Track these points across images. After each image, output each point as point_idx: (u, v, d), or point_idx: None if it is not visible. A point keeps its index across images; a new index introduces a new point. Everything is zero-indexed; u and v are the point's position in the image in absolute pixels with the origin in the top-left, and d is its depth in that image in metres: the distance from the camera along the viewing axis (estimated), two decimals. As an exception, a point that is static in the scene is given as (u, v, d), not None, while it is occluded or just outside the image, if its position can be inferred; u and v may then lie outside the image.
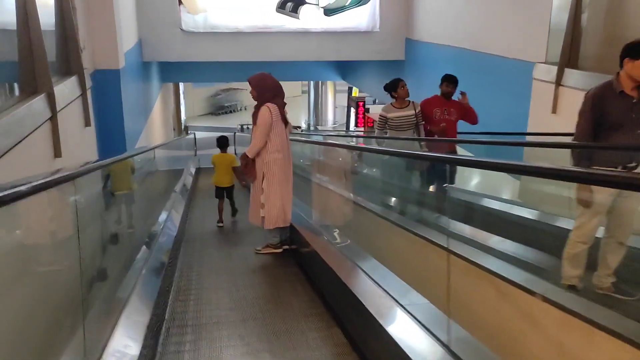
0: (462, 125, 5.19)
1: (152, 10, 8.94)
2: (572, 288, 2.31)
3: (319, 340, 2.78)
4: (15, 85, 3.37)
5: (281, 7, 9.52)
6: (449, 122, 4.98)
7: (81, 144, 4.52)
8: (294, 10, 9.52)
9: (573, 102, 4.81)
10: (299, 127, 4.84)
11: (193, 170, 10.94)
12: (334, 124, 23.80)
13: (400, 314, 2.33)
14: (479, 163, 2.31)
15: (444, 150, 4.56)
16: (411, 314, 2.26)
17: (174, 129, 18.06)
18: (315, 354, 2.65)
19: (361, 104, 18.67)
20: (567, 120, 4.90)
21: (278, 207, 4.22)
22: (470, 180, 4.80)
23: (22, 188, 1.44)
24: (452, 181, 3.88)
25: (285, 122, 4.25)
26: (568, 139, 4.38)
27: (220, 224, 6.00)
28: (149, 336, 2.44)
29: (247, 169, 4.25)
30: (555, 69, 4.90)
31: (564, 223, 3.03)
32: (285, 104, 4.29)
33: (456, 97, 5.14)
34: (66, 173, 2.01)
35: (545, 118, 5.07)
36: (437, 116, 5.00)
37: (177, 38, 9.32)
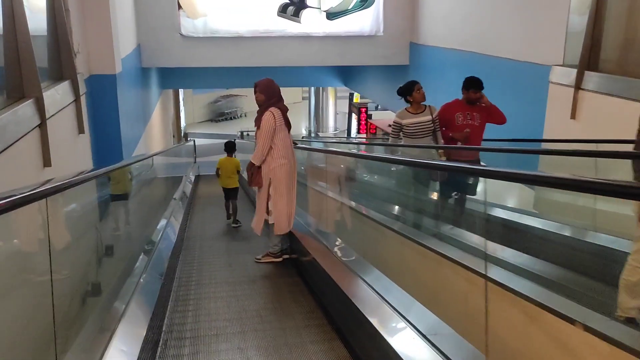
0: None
1: (151, 14, 8.73)
2: (630, 321, 2.04)
3: (320, 353, 2.71)
4: (2, 91, 3.13)
5: (282, 11, 9.30)
6: (473, 128, 4.59)
7: (74, 152, 4.28)
8: (296, 14, 9.30)
9: (594, 106, 4.62)
10: (296, 143, 4.68)
11: (193, 178, 10.82)
12: (335, 130, 23.63)
13: (406, 329, 2.22)
14: (513, 175, 2.05)
15: (466, 159, 4.28)
16: (417, 329, 2.15)
17: (173, 136, 17.84)
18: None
19: (363, 110, 18.47)
20: (587, 126, 4.69)
21: (285, 214, 4.19)
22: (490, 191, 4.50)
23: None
24: (473, 192, 3.66)
25: (289, 127, 4.25)
26: (592, 147, 4.19)
27: (229, 219, 6.56)
28: (146, 349, 2.37)
29: (253, 176, 4.20)
30: (574, 71, 4.65)
31: (601, 240, 2.78)
32: (287, 109, 4.28)
33: None
34: (39, 190, 1.73)
35: (563, 124, 4.82)
36: (459, 121, 4.59)
37: (177, 43, 9.11)
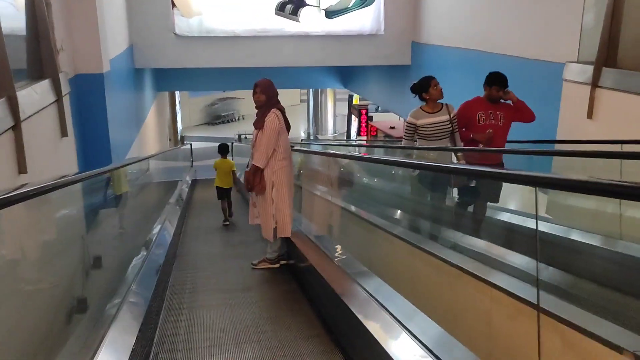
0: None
1: (143, 13, 8.45)
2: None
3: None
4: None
5: (280, 10, 9.02)
6: (497, 129, 4.17)
7: (56, 157, 3.97)
8: (294, 13, 9.01)
9: (613, 105, 4.33)
10: (293, 145, 4.67)
11: (189, 182, 10.64)
12: (334, 133, 23.39)
13: (409, 341, 2.07)
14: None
15: (488, 162, 3.96)
16: (420, 341, 2.00)
17: (170, 140, 17.55)
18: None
19: (364, 111, 18.18)
20: (605, 126, 4.40)
21: (287, 215, 4.16)
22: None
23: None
24: (496, 199, 3.37)
25: (288, 128, 4.22)
26: (611, 147, 3.90)
27: (226, 223, 6.79)
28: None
29: (257, 181, 4.05)
30: (590, 68, 4.36)
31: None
32: (284, 109, 4.24)
33: None
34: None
35: (579, 124, 4.53)
36: (481, 121, 4.18)
37: (171, 43, 8.82)
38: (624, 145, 3.54)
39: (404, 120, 13.02)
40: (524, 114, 4.28)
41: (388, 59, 9.52)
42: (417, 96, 4.28)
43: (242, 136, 17.06)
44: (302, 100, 27.01)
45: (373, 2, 9.14)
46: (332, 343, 2.80)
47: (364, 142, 15.59)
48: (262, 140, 4.01)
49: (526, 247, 2.71)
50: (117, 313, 2.49)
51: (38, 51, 3.91)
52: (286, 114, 4.22)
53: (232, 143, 13.12)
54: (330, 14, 9.13)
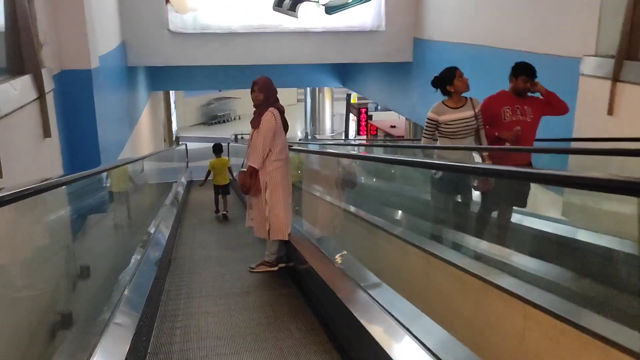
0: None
1: (136, 9, 8.13)
2: None
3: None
4: None
5: (278, 5, 8.73)
6: (525, 125, 3.78)
7: (38, 159, 3.67)
8: (292, 9, 8.72)
9: (637, 100, 4.06)
10: (291, 145, 4.57)
11: (185, 183, 10.39)
12: (332, 132, 23.13)
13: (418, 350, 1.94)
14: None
15: (516, 163, 3.65)
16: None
17: (164, 140, 17.23)
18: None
19: (364, 110, 17.89)
20: (628, 122, 4.12)
21: (282, 217, 4.05)
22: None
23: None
24: (523, 204, 3.10)
25: (286, 128, 4.11)
26: (636, 145, 3.62)
27: (218, 213, 7.40)
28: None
29: (252, 182, 3.95)
30: (610, 62, 4.09)
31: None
32: (284, 109, 4.13)
33: None
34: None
35: (598, 121, 4.26)
36: (507, 118, 3.82)
37: (165, 40, 8.51)
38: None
39: (405, 119, 12.77)
40: (556, 106, 3.90)
41: (389, 56, 9.24)
42: (438, 90, 3.86)
43: (239, 136, 16.80)
44: (298, 100, 26.80)
45: (373, -3, 8.86)
46: (336, 351, 2.69)
47: (366, 142, 15.30)
48: (258, 139, 3.92)
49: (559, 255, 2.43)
50: (109, 320, 2.35)
51: (18, 45, 3.60)
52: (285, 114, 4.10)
53: (229, 143, 12.87)
54: (330, 9, 8.84)
